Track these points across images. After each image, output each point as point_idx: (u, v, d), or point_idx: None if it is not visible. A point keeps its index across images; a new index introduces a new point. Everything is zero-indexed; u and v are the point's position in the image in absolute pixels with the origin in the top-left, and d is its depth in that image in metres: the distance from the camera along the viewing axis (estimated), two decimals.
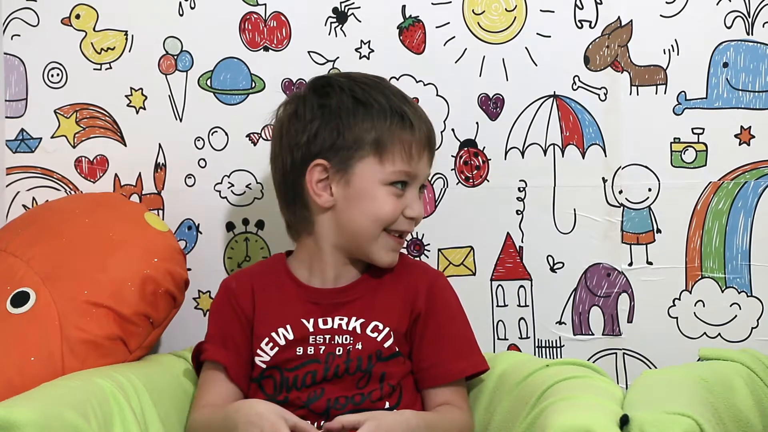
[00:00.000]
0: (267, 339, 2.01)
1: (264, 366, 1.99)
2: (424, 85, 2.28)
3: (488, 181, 2.30)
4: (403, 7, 2.27)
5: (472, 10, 2.26)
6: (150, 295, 2.10)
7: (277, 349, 2.01)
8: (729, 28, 2.21)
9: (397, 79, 2.27)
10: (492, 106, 2.29)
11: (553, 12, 2.25)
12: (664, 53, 2.23)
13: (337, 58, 2.29)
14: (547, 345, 2.30)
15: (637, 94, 2.25)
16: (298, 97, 2.05)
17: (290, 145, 2.02)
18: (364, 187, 2.00)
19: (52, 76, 2.35)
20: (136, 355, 2.10)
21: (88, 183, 2.35)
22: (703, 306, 2.24)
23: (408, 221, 2.01)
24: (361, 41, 2.30)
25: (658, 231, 2.25)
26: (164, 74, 2.34)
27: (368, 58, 2.29)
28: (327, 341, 2.00)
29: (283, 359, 2.00)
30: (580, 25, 2.25)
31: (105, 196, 2.33)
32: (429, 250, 2.30)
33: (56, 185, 2.37)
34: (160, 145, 2.34)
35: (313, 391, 1.94)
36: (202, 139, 2.33)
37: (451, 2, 2.26)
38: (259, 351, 2.01)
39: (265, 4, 2.30)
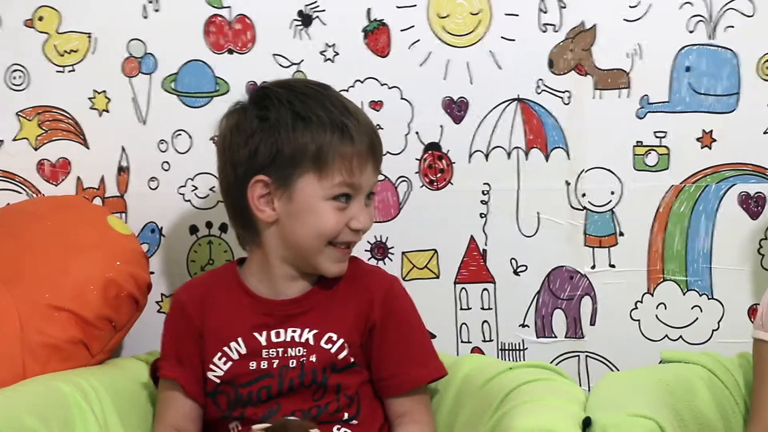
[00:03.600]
0: (220, 353, 1.99)
1: (218, 381, 1.99)
2: (389, 88, 2.29)
3: (452, 184, 2.29)
4: (368, 10, 2.27)
5: (437, 14, 2.26)
6: (112, 298, 2.09)
7: (230, 363, 2.00)
8: (691, 32, 2.22)
9: (362, 82, 2.28)
10: (456, 109, 2.29)
11: (518, 16, 2.25)
12: (628, 57, 2.24)
13: (302, 61, 2.29)
14: (511, 348, 2.31)
15: (601, 98, 2.26)
16: (239, 109, 2.03)
17: (232, 160, 2.00)
18: (306, 202, 1.98)
19: (15, 78, 2.35)
20: (98, 359, 2.10)
21: (51, 186, 2.35)
22: (665, 309, 2.25)
23: (353, 233, 2.00)
24: (326, 44, 2.29)
25: (621, 234, 2.26)
26: (128, 77, 2.33)
27: (333, 61, 2.29)
28: (280, 354, 1.98)
29: (236, 374, 1.98)
30: (544, 28, 2.26)
31: (67, 199, 2.32)
32: (393, 253, 2.31)
33: (18, 188, 2.36)
34: (123, 148, 2.34)
35: (268, 407, 1.93)
36: (166, 142, 2.33)
37: (416, 5, 2.26)
38: (212, 366, 2.00)
39: (229, 7, 2.29)
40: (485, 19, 2.26)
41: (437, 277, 2.31)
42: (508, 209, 2.29)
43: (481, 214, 2.28)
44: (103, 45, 2.32)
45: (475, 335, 2.30)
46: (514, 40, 2.26)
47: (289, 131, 1.98)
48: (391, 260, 2.31)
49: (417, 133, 2.29)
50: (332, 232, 1.97)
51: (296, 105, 2.02)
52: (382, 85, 2.29)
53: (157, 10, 2.30)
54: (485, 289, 2.30)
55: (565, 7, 2.23)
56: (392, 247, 2.31)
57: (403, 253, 2.31)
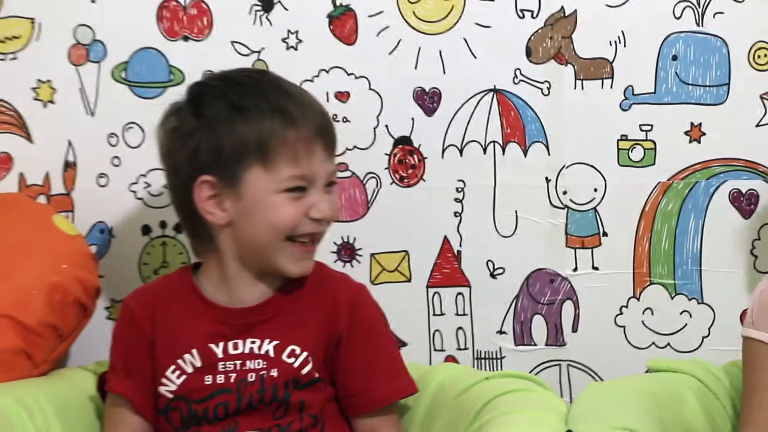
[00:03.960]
0: (173, 366, 1.96)
1: (170, 396, 1.95)
2: (356, 78, 2.27)
3: (424, 180, 2.27)
4: None
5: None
6: (58, 304, 2.05)
7: (184, 377, 1.96)
8: (678, 18, 2.21)
9: (327, 72, 2.27)
10: (428, 100, 2.26)
11: (493, 1, 2.23)
12: (611, 45, 2.22)
13: (263, 49, 2.26)
14: (487, 356, 2.29)
15: (582, 89, 2.24)
16: (176, 110, 2.01)
17: (174, 164, 1.98)
18: (256, 197, 1.94)
19: None
20: (42, 369, 2.05)
21: None
22: (652, 314, 2.24)
23: (314, 223, 1.94)
24: (289, 31, 2.26)
25: (605, 234, 2.25)
26: (75, 65, 2.29)
27: (296, 49, 2.26)
28: (238, 367, 1.95)
29: (191, 389, 1.95)
30: (521, 14, 2.23)
31: (9, 197, 2.29)
32: (361, 255, 2.29)
33: None
34: (69, 142, 2.31)
35: (226, 425, 1.90)
36: (116, 136, 2.29)
37: None
38: (164, 380, 1.96)
39: None
40: (459, 4, 2.25)
41: (408, 281, 2.29)
42: (484, 208, 2.27)
43: (455, 213, 2.26)
44: (47, 31, 2.29)
45: (449, 343, 2.29)
46: (489, 26, 2.24)
47: (227, 125, 1.96)
48: (359, 262, 2.29)
49: (386, 126, 2.27)
50: (289, 223, 1.92)
51: (232, 96, 1.99)
52: (348, 74, 2.27)
53: None
54: (460, 294, 2.28)
55: None
56: (360, 249, 2.28)
57: (372, 254, 2.29)
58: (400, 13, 2.25)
